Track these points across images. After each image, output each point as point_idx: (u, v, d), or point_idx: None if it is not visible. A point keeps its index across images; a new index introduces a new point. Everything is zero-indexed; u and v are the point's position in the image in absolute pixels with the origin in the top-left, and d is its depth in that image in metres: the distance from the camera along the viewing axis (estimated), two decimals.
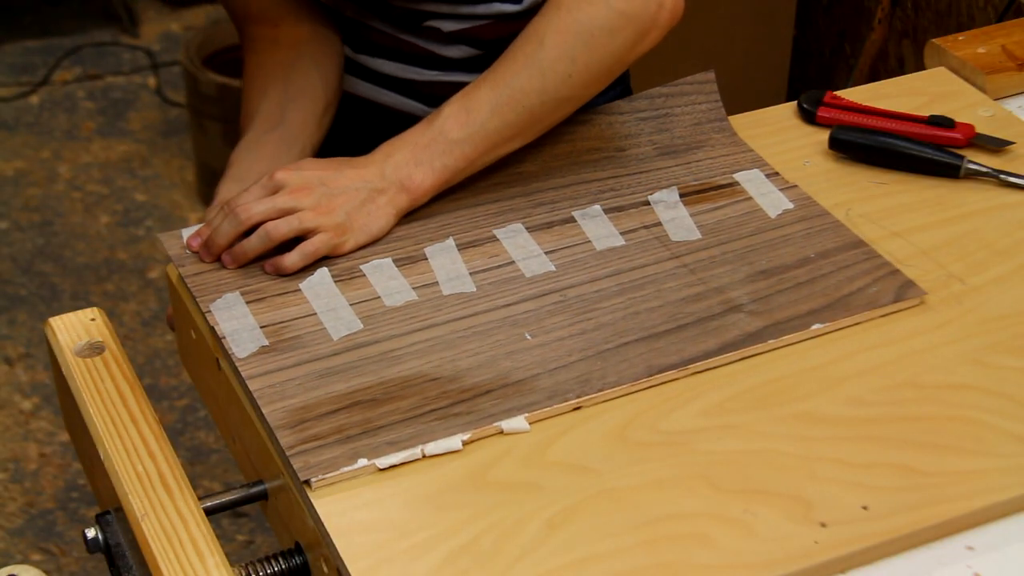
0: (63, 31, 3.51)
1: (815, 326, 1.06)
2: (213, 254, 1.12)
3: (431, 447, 0.95)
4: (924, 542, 0.91)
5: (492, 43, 1.29)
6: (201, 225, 1.15)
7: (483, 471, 0.94)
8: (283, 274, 1.11)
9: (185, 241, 1.14)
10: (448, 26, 1.29)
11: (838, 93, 1.35)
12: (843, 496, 0.92)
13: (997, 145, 1.29)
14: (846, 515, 0.91)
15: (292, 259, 1.11)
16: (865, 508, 0.91)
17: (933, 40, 1.42)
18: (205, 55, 2.82)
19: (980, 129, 1.31)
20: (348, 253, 1.13)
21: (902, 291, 1.10)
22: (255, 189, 1.13)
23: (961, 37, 1.43)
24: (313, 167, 1.15)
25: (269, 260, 1.11)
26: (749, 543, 0.89)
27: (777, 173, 1.24)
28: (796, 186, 1.22)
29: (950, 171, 1.25)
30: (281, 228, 1.10)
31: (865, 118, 1.31)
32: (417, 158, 1.14)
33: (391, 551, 0.88)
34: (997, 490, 0.93)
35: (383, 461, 0.93)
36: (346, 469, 0.93)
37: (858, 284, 1.10)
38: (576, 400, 0.99)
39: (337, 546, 0.88)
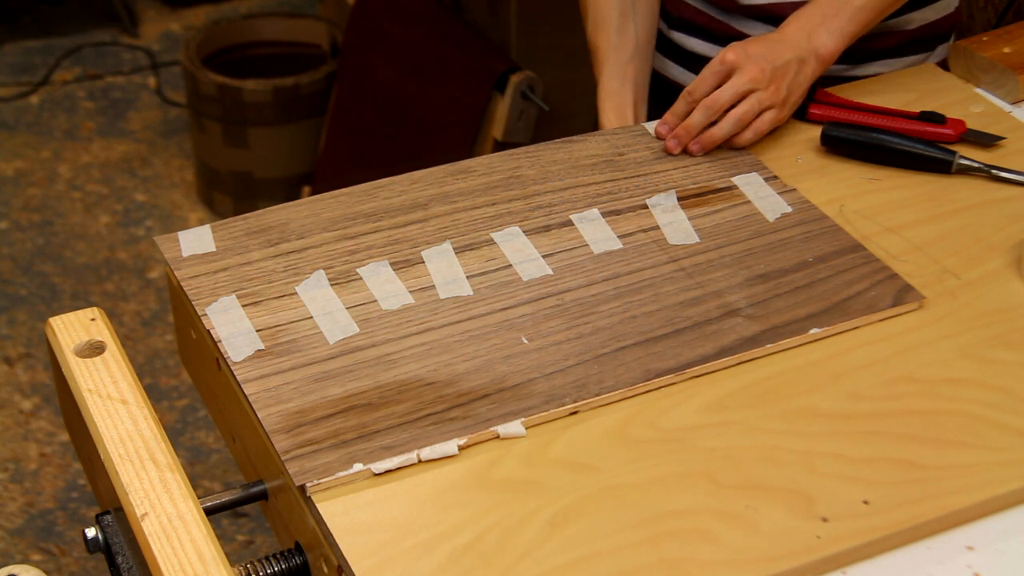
0: (63, 31, 3.51)
1: (813, 330, 1.06)
2: (684, 143, 1.26)
3: (427, 452, 0.95)
4: (925, 536, 0.92)
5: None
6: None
7: (485, 470, 0.94)
8: (739, 146, 1.26)
9: (653, 131, 1.28)
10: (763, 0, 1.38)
11: (829, 90, 1.35)
12: (844, 491, 0.93)
13: (988, 141, 1.29)
14: (847, 510, 0.91)
15: (747, 137, 1.26)
16: (866, 502, 0.92)
17: (958, 42, 1.42)
18: (205, 55, 2.82)
19: (970, 125, 1.31)
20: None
21: (900, 295, 1.09)
22: (709, 75, 1.25)
23: (985, 38, 1.43)
24: (754, 46, 1.26)
25: (703, 135, 1.25)
26: (751, 539, 0.89)
27: (775, 176, 1.24)
28: (795, 190, 1.22)
29: (942, 167, 1.25)
30: (749, 113, 1.24)
31: (856, 115, 1.32)
32: (827, 27, 1.28)
33: (394, 550, 0.88)
34: (997, 483, 0.93)
35: (379, 466, 0.93)
36: (342, 474, 0.92)
37: (856, 288, 1.10)
38: (573, 404, 0.99)
39: (340, 545, 0.88)
